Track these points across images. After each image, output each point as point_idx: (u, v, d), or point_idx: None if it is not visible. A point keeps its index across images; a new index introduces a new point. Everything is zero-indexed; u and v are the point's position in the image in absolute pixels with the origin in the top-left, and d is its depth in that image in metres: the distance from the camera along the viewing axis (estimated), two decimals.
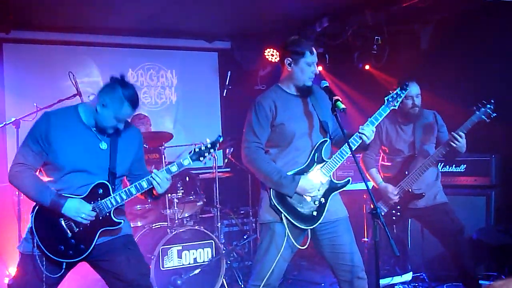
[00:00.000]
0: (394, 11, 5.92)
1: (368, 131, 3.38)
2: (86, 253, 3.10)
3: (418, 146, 4.55)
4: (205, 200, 5.72)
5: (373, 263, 3.39)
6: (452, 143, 4.20)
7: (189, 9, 6.40)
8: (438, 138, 4.57)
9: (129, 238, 3.39)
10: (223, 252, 5.12)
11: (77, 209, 3.01)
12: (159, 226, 5.38)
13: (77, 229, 3.07)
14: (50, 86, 6.81)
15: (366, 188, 3.09)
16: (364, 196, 5.83)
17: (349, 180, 3.53)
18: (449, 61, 5.94)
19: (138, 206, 5.36)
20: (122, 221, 3.19)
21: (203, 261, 5.03)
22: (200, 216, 6.10)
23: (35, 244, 3.02)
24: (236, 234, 6.72)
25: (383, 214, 4.55)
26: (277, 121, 3.49)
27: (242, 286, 5.35)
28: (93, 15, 6.47)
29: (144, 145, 5.31)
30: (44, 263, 3.04)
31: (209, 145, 3.26)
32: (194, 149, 3.26)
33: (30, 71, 6.86)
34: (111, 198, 3.12)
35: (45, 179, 3.13)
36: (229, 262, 5.25)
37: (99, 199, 3.10)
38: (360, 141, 3.39)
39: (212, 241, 5.11)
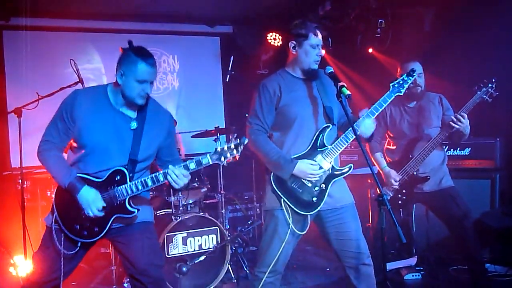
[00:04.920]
0: None
1: (364, 124, 3.36)
2: (99, 236, 3.12)
3: (422, 129, 4.52)
4: (209, 186, 5.70)
5: (378, 248, 3.40)
6: (453, 124, 4.16)
7: None
8: (443, 122, 4.52)
9: (148, 226, 3.35)
10: (228, 238, 5.12)
11: (89, 202, 3.02)
12: (163, 213, 5.38)
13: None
14: (51, 73, 6.79)
15: (370, 173, 3.06)
16: (369, 181, 5.84)
17: (351, 166, 3.50)
18: (453, 43, 5.88)
19: None
20: (136, 210, 3.14)
21: (208, 248, 5.03)
22: (204, 202, 6.10)
23: (54, 219, 3.09)
24: (240, 219, 6.73)
25: (388, 198, 4.52)
26: (281, 103, 3.47)
27: (248, 271, 5.36)
28: (93, 0, 6.41)
29: None
30: (62, 238, 3.09)
31: (232, 146, 3.06)
32: (216, 149, 3.08)
33: (31, 58, 6.82)
34: (126, 186, 3.09)
35: (73, 157, 3.16)
36: (234, 248, 5.25)
37: (116, 185, 3.09)
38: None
39: (217, 227, 5.10)
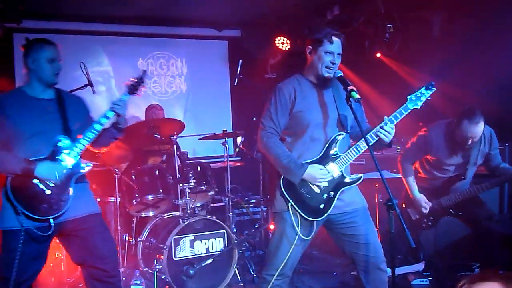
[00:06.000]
0: None
1: (386, 129, 3.30)
2: (68, 203, 3.29)
3: (465, 168, 4.56)
4: (216, 189, 5.69)
5: (386, 252, 3.39)
6: None
7: None
8: (487, 157, 4.56)
9: (101, 218, 3.59)
10: (235, 241, 5.12)
11: (49, 170, 3.22)
12: (171, 216, 5.38)
13: (53, 185, 3.26)
14: (61, 75, 6.63)
15: (378, 177, 3.06)
16: (376, 185, 5.81)
17: (360, 177, 3.49)
18: (462, 48, 5.85)
19: (150, 196, 5.34)
20: (91, 164, 3.46)
21: (215, 251, 5.03)
22: (212, 205, 6.09)
23: (20, 213, 3.15)
24: (247, 223, 6.72)
25: (413, 219, 4.62)
26: (296, 109, 3.45)
27: (254, 275, 5.35)
28: (103, 3, 6.44)
29: (156, 135, 5.32)
30: (34, 229, 3.16)
31: (139, 80, 3.51)
32: (128, 87, 3.49)
33: None
34: (73, 145, 3.33)
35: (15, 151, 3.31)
36: (240, 251, 5.25)
37: (63, 150, 3.31)
38: (377, 139, 3.34)
39: (224, 231, 5.10)
